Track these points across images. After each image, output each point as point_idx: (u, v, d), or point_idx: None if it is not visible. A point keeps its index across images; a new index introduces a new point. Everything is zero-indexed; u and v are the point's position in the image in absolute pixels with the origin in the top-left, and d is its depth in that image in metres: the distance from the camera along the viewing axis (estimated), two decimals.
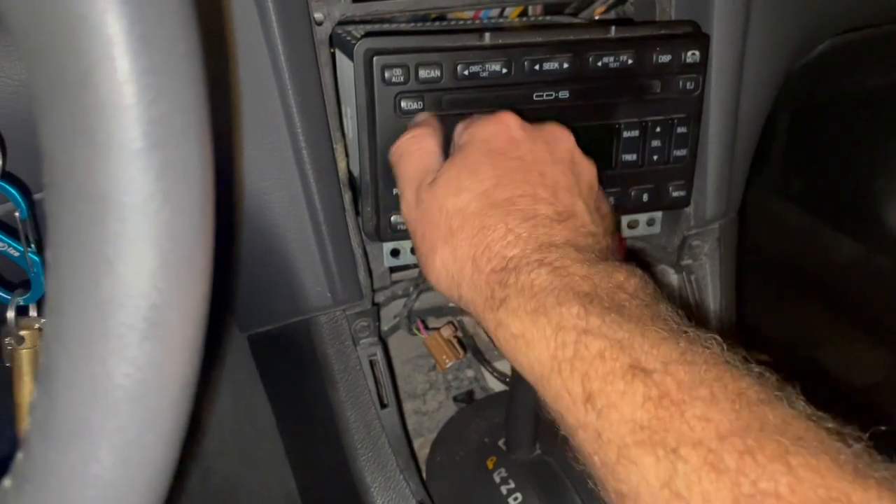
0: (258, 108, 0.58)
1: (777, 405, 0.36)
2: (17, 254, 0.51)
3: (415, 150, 0.54)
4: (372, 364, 0.67)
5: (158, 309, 0.26)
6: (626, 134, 0.63)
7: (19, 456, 0.29)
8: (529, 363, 0.43)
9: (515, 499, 0.63)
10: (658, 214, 0.71)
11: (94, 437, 0.27)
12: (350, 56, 0.56)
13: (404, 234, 0.59)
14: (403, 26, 0.66)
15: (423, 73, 0.56)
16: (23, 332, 0.53)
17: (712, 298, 0.76)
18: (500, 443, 0.67)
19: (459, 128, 0.55)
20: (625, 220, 0.70)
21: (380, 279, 0.67)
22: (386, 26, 0.65)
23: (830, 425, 0.35)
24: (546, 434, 0.64)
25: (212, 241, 0.28)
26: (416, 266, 0.67)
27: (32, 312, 0.54)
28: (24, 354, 0.54)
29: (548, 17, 0.72)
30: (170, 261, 0.26)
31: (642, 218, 0.70)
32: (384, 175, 0.58)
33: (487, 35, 0.57)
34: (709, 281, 0.76)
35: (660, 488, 0.35)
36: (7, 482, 0.29)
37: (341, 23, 0.61)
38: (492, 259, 0.46)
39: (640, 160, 0.64)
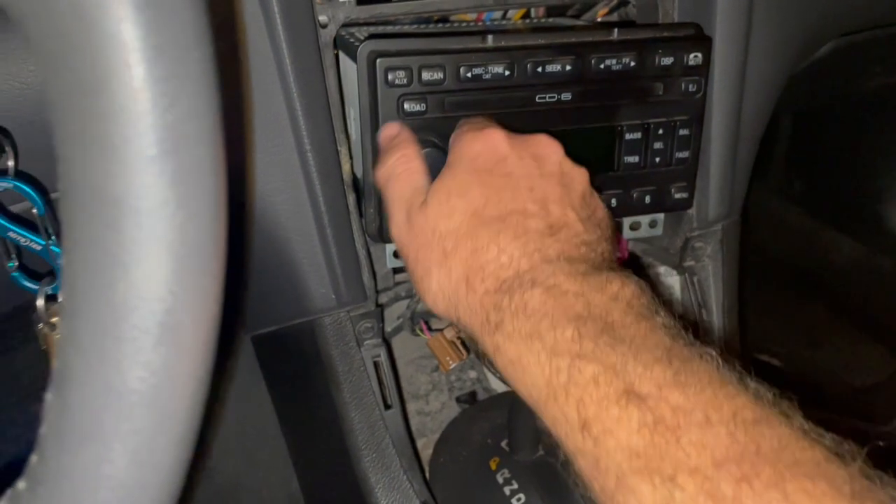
0: (263, 111, 0.58)
1: (774, 423, 0.36)
2: (38, 247, 0.52)
3: (402, 171, 0.54)
4: (376, 365, 0.67)
5: (172, 313, 0.27)
6: (628, 136, 0.63)
7: (33, 458, 0.29)
8: (527, 388, 0.43)
9: (518, 499, 0.63)
10: (660, 216, 0.71)
11: (107, 440, 0.27)
12: (354, 58, 0.57)
13: None
14: (407, 29, 0.66)
15: (426, 76, 0.56)
16: (54, 319, 0.54)
17: (714, 300, 0.76)
18: (503, 444, 0.67)
19: (452, 137, 0.54)
20: (627, 221, 0.70)
21: (383, 280, 0.67)
22: (390, 29, 0.65)
23: (828, 443, 0.35)
24: (549, 435, 0.64)
25: (225, 246, 0.29)
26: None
27: (61, 299, 0.55)
28: (58, 340, 0.55)
29: (550, 20, 0.73)
30: (184, 265, 0.27)
31: (644, 220, 0.71)
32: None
33: (490, 37, 0.57)
34: (711, 282, 0.76)
35: None
36: (21, 484, 0.29)
37: (345, 25, 0.61)
38: (485, 280, 0.46)
39: (643, 162, 0.64)
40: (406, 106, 0.56)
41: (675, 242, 0.75)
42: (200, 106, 0.26)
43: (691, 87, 0.63)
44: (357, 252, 0.64)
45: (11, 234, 0.52)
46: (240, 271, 0.66)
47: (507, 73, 0.57)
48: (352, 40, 0.59)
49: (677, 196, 0.67)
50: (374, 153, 0.58)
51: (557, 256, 0.46)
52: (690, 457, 0.35)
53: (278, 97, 0.58)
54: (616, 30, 0.61)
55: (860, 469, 0.33)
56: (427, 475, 0.70)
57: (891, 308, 1.23)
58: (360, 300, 0.65)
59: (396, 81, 0.56)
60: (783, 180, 1.37)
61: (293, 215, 0.62)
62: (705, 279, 0.76)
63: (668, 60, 0.61)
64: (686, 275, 0.77)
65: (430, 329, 0.73)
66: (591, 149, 0.62)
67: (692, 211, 0.72)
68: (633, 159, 0.64)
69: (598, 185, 0.56)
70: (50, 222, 0.51)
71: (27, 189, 0.50)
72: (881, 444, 0.36)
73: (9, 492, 0.30)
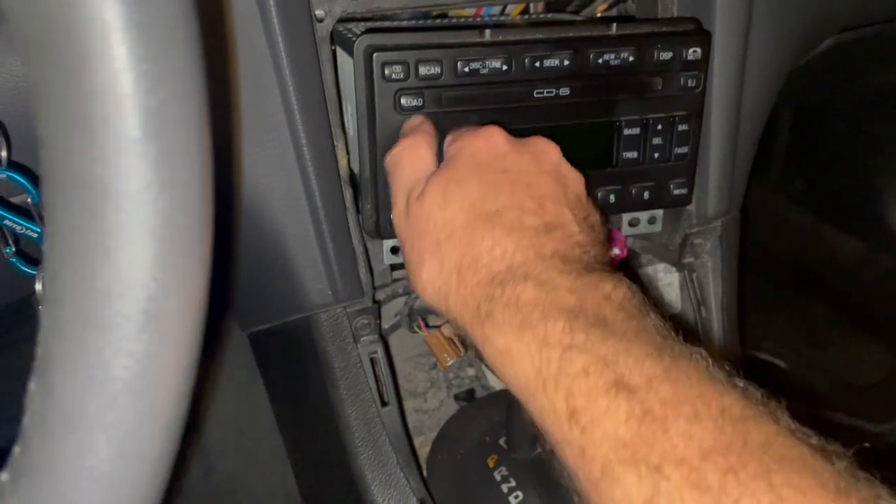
0: (259, 105, 0.58)
1: (761, 421, 0.36)
2: (35, 235, 0.53)
3: (408, 158, 0.54)
4: (373, 362, 0.67)
5: (156, 300, 0.26)
6: (627, 131, 0.62)
7: (16, 449, 0.29)
8: (515, 378, 0.43)
9: (516, 497, 0.63)
10: (659, 212, 0.71)
11: (91, 429, 0.27)
12: (350, 53, 0.56)
13: None
14: (404, 23, 0.66)
15: (423, 70, 0.56)
16: None
17: (713, 297, 0.76)
18: (501, 441, 0.67)
19: (448, 139, 0.55)
20: (626, 218, 0.70)
21: (380, 277, 0.67)
22: (387, 23, 0.65)
23: (814, 442, 0.35)
24: (543, 438, 0.63)
25: (211, 232, 0.28)
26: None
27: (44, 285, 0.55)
28: None
29: (549, 15, 0.72)
30: (168, 251, 0.26)
31: (643, 216, 0.70)
32: (384, 172, 0.58)
33: (488, 32, 0.57)
34: (710, 279, 0.75)
35: None
36: (4, 476, 0.29)
37: (342, 20, 0.61)
38: (478, 272, 0.46)
39: (642, 158, 0.64)
40: (403, 101, 0.56)
41: (674, 239, 0.75)
42: (185, 88, 0.26)
43: (690, 83, 0.62)
44: (354, 248, 0.64)
45: (8, 223, 0.52)
46: (229, 262, 0.66)
47: (504, 67, 0.57)
48: (348, 34, 0.59)
49: (676, 192, 0.66)
50: (371, 148, 0.57)
51: (552, 254, 0.46)
52: (677, 448, 0.35)
53: (274, 91, 0.58)
54: (615, 25, 0.60)
55: (846, 468, 0.33)
56: (424, 473, 0.70)
57: (891, 307, 1.23)
58: (356, 296, 0.65)
59: (393, 76, 0.55)
60: (783, 177, 1.37)
61: (289, 211, 0.61)
62: (704, 276, 0.76)
63: (667, 55, 0.61)
64: (685, 271, 0.76)
65: (427, 326, 0.73)
66: (589, 144, 0.62)
67: (691, 207, 0.72)
68: (632, 155, 0.63)
69: (596, 180, 0.55)
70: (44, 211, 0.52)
71: (20, 179, 0.50)
72: (867, 445, 0.35)
73: None
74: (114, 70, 0.24)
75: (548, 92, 0.59)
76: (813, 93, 1.19)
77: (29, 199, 0.51)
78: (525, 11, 0.72)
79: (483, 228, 0.47)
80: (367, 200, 0.60)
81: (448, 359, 0.72)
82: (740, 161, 0.74)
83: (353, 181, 0.63)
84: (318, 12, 0.59)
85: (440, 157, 0.54)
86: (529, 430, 0.64)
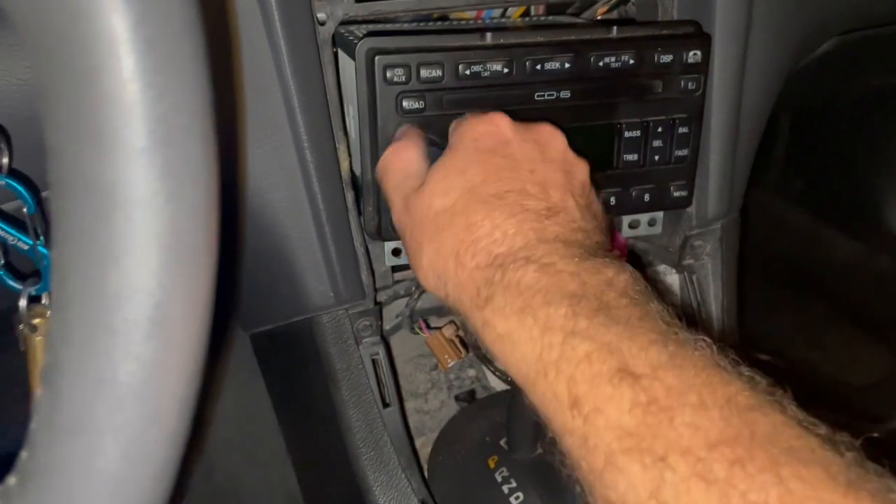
0: (261, 108, 0.58)
1: (768, 411, 0.35)
2: (26, 247, 0.52)
3: (395, 161, 0.54)
4: (374, 363, 0.67)
5: (162, 306, 0.27)
6: (627, 134, 0.63)
7: (24, 453, 0.29)
8: (516, 364, 0.42)
9: (517, 498, 0.63)
10: (659, 214, 0.71)
11: (98, 433, 0.27)
12: (352, 56, 0.57)
13: None
14: (406, 26, 0.66)
15: (424, 73, 0.56)
16: (35, 321, 0.54)
17: (713, 298, 0.76)
18: (502, 442, 0.67)
19: (452, 125, 0.54)
20: (626, 220, 0.70)
21: (382, 278, 0.67)
22: (388, 26, 0.65)
23: (822, 432, 0.34)
24: (547, 433, 0.64)
25: (217, 239, 0.29)
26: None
27: (45, 301, 0.54)
28: (38, 342, 0.54)
29: (550, 18, 0.73)
30: (174, 258, 0.27)
31: (643, 218, 0.70)
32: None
33: (489, 35, 0.57)
34: (710, 281, 0.76)
35: (647, 498, 0.34)
36: (12, 479, 0.29)
37: (344, 22, 0.61)
38: (476, 255, 0.45)
39: (642, 160, 0.64)
40: (405, 103, 0.56)
41: (675, 241, 0.75)
42: (191, 98, 0.26)
43: (690, 85, 0.63)
44: (356, 250, 0.64)
45: (0, 233, 0.52)
46: (233, 267, 0.66)
47: (505, 70, 0.57)
48: (350, 37, 0.59)
49: (676, 194, 0.66)
50: (373, 150, 0.58)
51: (554, 237, 0.45)
52: (683, 437, 0.34)
53: (276, 94, 0.58)
54: (615, 28, 0.61)
55: (855, 458, 0.33)
56: (425, 473, 0.70)
57: (890, 307, 1.23)
58: (358, 298, 0.65)
59: (395, 79, 0.56)
60: (783, 179, 1.37)
61: (291, 213, 0.62)
62: (704, 278, 0.76)
63: (667, 58, 0.61)
64: (685, 273, 0.77)
65: (428, 327, 0.73)
66: (590, 147, 0.61)
67: (691, 209, 0.72)
68: (632, 157, 0.64)
69: (597, 183, 0.56)
70: (39, 222, 0.51)
71: (19, 187, 0.49)
72: (876, 435, 0.35)
73: None
74: (122, 81, 0.24)
75: (549, 94, 0.59)
76: (813, 94, 1.19)
77: (25, 209, 0.50)
78: (526, 14, 0.72)
79: (483, 211, 0.47)
80: (369, 202, 0.60)
81: (449, 360, 0.72)
82: (740, 163, 0.75)
83: (355, 183, 0.63)
84: (320, 15, 0.60)
85: (444, 144, 0.54)
86: (530, 431, 0.64)
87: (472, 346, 0.75)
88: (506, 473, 0.65)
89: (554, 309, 0.40)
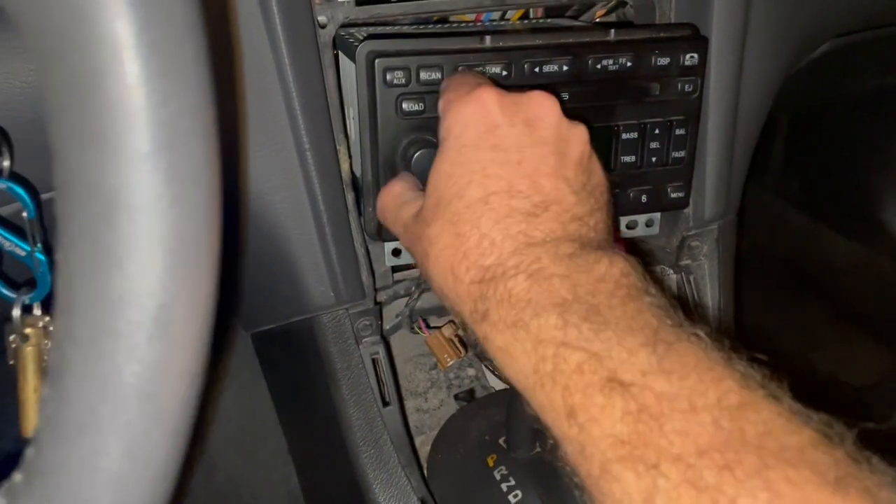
0: (262, 111, 0.59)
1: (760, 407, 0.35)
2: (23, 253, 0.51)
3: (386, 198, 0.55)
4: (374, 362, 0.68)
5: (166, 308, 0.27)
6: (624, 136, 0.63)
7: (29, 451, 0.30)
8: (515, 376, 0.43)
9: (515, 496, 0.63)
10: (657, 215, 0.71)
11: (103, 432, 0.28)
12: (353, 58, 0.57)
13: None
14: (406, 29, 0.67)
15: (424, 75, 0.56)
16: (28, 331, 0.54)
17: (711, 299, 0.76)
18: (501, 441, 0.68)
19: (441, 104, 0.52)
20: (623, 220, 0.70)
21: (382, 278, 0.67)
22: (388, 29, 0.65)
23: (816, 425, 0.34)
24: (546, 432, 0.64)
25: (219, 242, 0.29)
26: (416, 266, 0.68)
27: (37, 311, 0.54)
28: (29, 352, 0.54)
29: (548, 21, 0.73)
30: (178, 261, 0.27)
31: (641, 219, 0.71)
32: (385, 176, 0.58)
33: (488, 38, 0.58)
34: (707, 282, 0.76)
35: None
36: (18, 477, 0.30)
37: (344, 25, 0.61)
38: (469, 269, 0.45)
39: (639, 162, 0.64)
40: (404, 106, 0.57)
41: (672, 242, 0.75)
42: (195, 102, 0.27)
43: (687, 87, 0.63)
44: (356, 250, 0.65)
45: None
46: (235, 268, 0.66)
47: (504, 73, 0.58)
48: (351, 40, 0.59)
49: (674, 195, 0.67)
50: (373, 152, 0.58)
51: (543, 238, 0.45)
52: (674, 445, 0.34)
53: (277, 97, 0.58)
54: (613, 30, 0.61)
55: (847, 453, 0.33)
56: (425, 472, 0.71)
57: (888, 308, 1.23)
58: (358, 298, 0.66)
59: (395, 81, 0.56)
60: (780, 180, 1.37)
61: (292, 214, 0.62)
62: (702, 278, 0.76)
63: (664, 61, 0.61)
64: (682, 274, 0.77)
65: (428, 327, 0.74)
66: None
67: (688, 210, 0.72)
68: (630, 159, 0.64)
69: None
70: (38, 228, 0.51)
71: (19, 191, 0.49)
72: (871, 425, 0.35)
73: (5, 484, 0.31)
74: (126, 86, 0.25)
75: None
76: (810, 96, 1.20)
77: (24, 214, 0.50)
78: (525, 17, 0.72)
79: (470, 221, 0.46)
80: (369, 203, 0.61)
81: (448, 359, 0.73)
82: (737, 164, 0.75)
83: (356, 184, 0.64)
84: (321, 18, 0.60)
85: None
86: (529, 430, 0.65)
87: (471, 345, 0.75)
88: (504, 472, 0.65)
89: (544, 320, 0.41)
